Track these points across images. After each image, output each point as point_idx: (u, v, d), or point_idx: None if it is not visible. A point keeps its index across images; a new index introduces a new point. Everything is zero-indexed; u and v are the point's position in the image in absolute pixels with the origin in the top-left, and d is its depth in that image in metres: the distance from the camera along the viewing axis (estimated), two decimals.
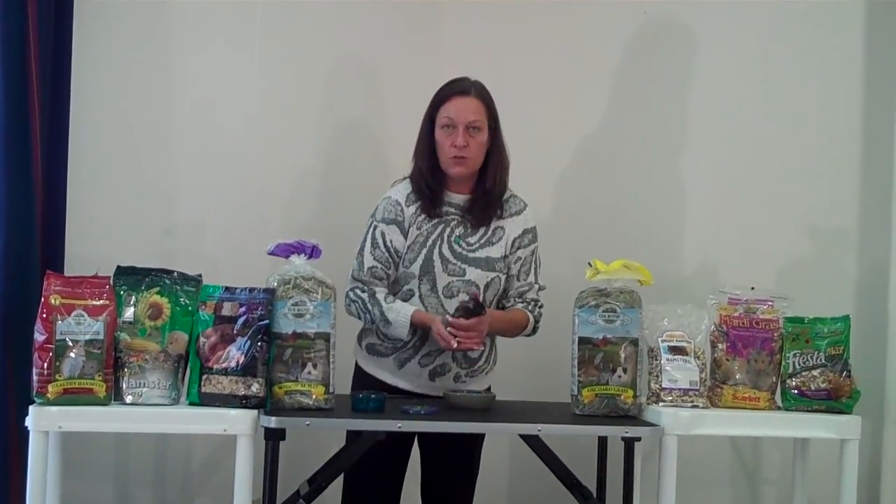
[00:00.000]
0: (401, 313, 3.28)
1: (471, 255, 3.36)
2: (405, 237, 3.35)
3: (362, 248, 3.38)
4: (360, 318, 3.37)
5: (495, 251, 3.38)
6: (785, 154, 4.19)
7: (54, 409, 2.80)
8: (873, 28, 4.11)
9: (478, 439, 3.48)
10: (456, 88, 3.35)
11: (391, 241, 3.35)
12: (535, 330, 3.46)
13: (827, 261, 4.16)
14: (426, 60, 3.98)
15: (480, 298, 3.27)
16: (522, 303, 3.43)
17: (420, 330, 3.31)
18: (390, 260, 3.35)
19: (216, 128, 3.96)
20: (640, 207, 4.17)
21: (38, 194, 3.47)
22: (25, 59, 3.40)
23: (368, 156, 4.01)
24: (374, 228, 3.37)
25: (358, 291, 3.34)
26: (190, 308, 3.00)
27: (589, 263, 3.20)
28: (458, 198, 3.40)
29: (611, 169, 4.20)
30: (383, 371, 3.40)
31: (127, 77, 3.87)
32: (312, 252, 3.08)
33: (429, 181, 3.35)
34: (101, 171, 3.82)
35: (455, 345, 3.17)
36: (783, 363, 3.27)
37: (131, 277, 2.99)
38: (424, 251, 3.34)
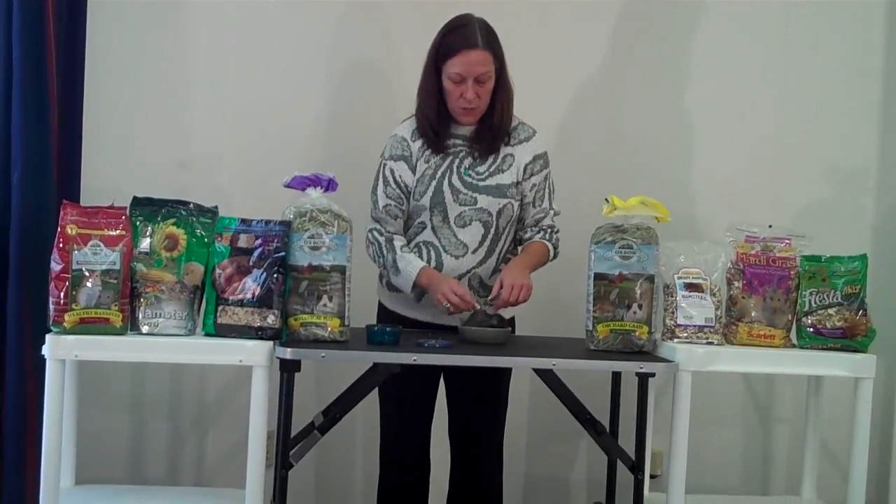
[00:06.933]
0: (411, 264, 3.27)
1: (481, 183, 3.34)
2: (414, 172, 3.35)
3: (375, 188, 3.37)
4: (374, 260, 3.36)
5: (506, 178, 3.36)
6: (805, 93, 4.16)
7: (70, 338, 2.80)
8: None
9: (504, 374, 3.46)
10: (463, 42, 3.25)
11: (401, 177, 3.35)
12: (555, 255, 3.45)
13: (845, 200, 4.16)
14: None
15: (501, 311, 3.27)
16: (539, 232, 3.42)
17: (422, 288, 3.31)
18: (402, 196, 3.35)
19: (230, 64, 3.95)
20: (659, 144, 4.14)
21: (54, 126, 3.45)
22: None
23: (377, 92, 3.99)
24: (384, 167, 3.37)
25: (375, 234, 3.34)
26: (206, 239, 3.00)
27: (606, 199, 3.19)
28: (464, 129, 3.38)
29: (630, 105, 4.16)
30: (403, 305, 3.40)
31: (143, 11, 3.85)
32: (329, 185, 3.07)
33: (434, 124, 3.34)
34: (116, 103, 3.83)
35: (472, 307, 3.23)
36: (799, 301, 3.26)
37: (147, 208, 2.99)
38: (434, 183, 3.33)
